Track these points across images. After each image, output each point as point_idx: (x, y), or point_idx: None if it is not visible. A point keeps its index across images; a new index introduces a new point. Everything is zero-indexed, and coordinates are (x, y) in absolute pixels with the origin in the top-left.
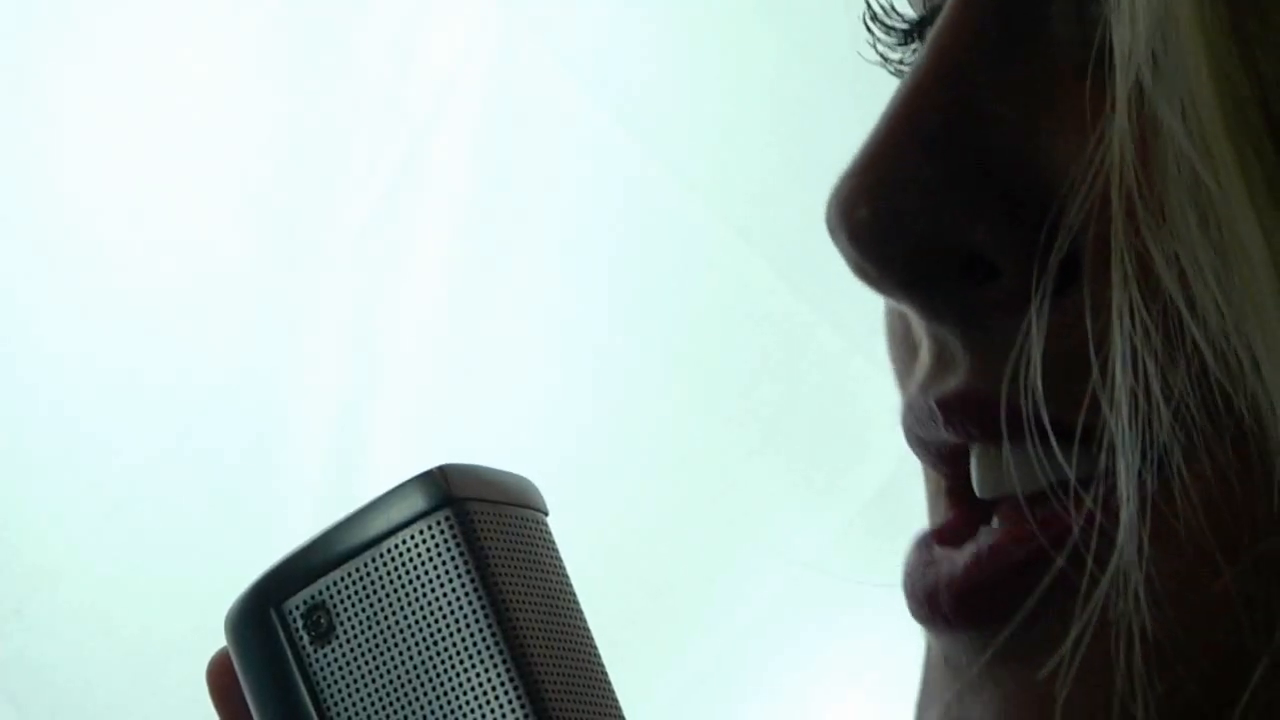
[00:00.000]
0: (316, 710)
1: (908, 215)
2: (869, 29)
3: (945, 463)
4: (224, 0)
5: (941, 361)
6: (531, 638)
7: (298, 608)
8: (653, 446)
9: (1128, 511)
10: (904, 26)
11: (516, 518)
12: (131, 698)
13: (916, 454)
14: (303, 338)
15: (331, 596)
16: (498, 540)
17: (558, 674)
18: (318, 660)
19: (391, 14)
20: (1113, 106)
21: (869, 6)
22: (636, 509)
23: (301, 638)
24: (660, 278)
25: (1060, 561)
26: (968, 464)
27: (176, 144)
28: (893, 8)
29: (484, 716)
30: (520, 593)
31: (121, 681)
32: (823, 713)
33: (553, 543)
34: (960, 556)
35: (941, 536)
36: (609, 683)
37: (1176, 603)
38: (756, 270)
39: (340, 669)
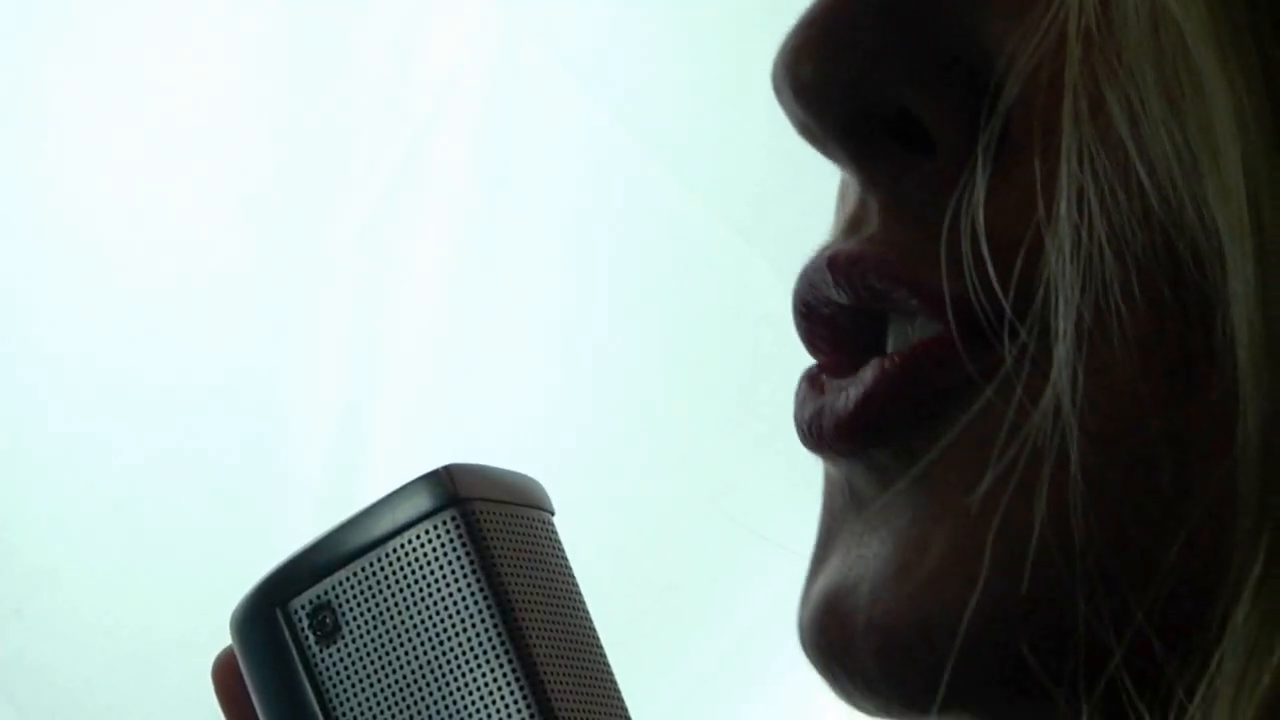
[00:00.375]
0: (322, 710)
1: (852, 74)
2: None
3: (825, 342)
4: (224, 0)
5: (853, 225)
6: (537, 637)
7: (303, 607)
8: (653, 446)
9: (1064, 345)
10: None
11: (522, 517)
12: (131, 698)
13: (802, 335)
14: (303, 338)
15: (337, 596)
16: (503, 540)
17: (563, 674)
18: (323, 660)
19: (391, 14)
20: None
21: None
22: (637, 509)
23: (307, 637)
24: (660, 278)
25: (989, 392)
26: (850, 346)
27: (176, 144)
28: None
29: (490, 716)
30: (526, 592)
31: (121, 681)
32: (825, 713)
33: (559, 542)
34: (853, 385)
35: (830, 369)
36: (615, 682)
37: (1109, 439)
38: (756, 270)
39: (346, 668)
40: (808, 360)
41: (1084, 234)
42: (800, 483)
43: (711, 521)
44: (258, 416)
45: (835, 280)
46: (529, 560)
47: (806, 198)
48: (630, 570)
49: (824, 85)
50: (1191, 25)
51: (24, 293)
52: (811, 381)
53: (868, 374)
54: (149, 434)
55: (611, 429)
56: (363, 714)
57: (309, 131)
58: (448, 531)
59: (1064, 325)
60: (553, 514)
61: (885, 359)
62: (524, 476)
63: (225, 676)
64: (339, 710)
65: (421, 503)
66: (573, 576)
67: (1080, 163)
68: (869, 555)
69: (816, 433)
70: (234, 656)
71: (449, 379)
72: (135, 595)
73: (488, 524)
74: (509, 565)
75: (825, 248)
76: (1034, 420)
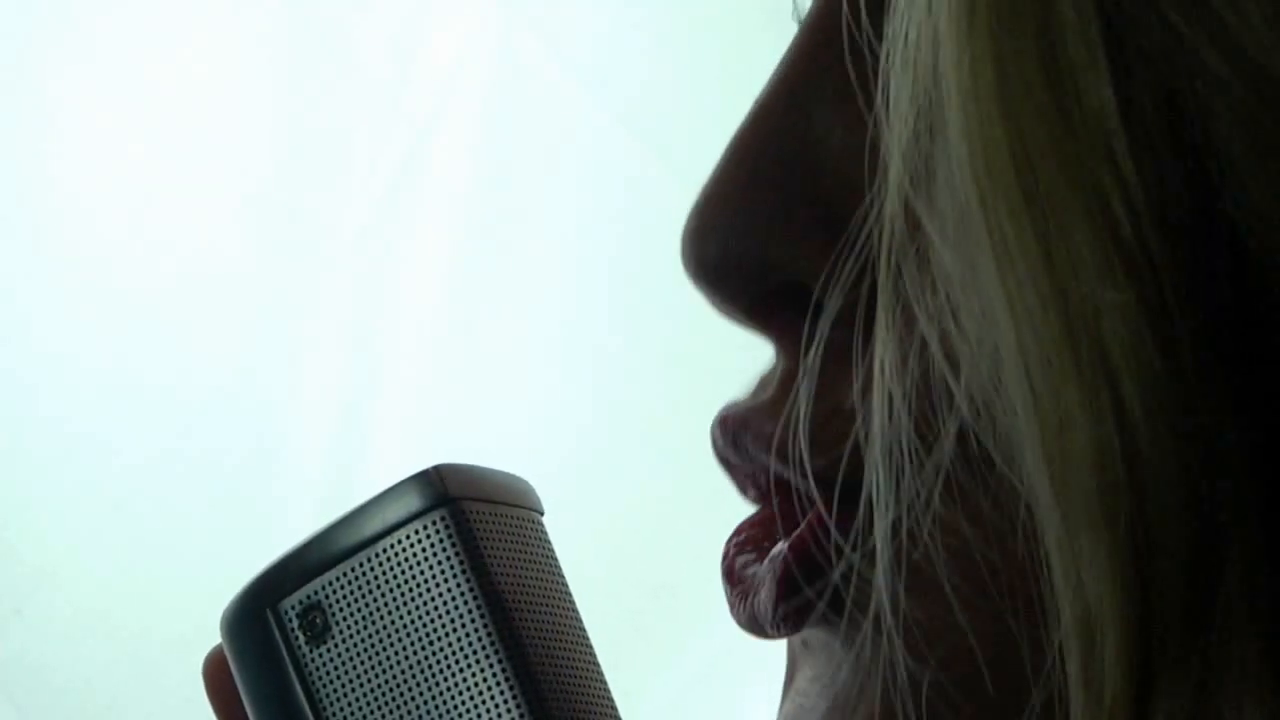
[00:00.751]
0: (312, 710)
1: (751, 252)
2: None
3: (752, 491)
4: (224, 0)
5: (762, 383)
6: (527, 637)
7: (293, 607)
8: (653, 446)
9: (882, 559)
10: None
11: (512, 517)
12: (131, 698)
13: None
14: (303, 338)
15: (327, 596)
16: (493, 540)
17: (553, 673)
18: (313, 660)
19: (391, 14)
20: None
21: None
22: (636, 509)
23: (297, 638)
24: (660, 278)
25: (821, 605)
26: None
27: (176, 143)
28: None
29: (480, 716)
30: (516, 592)
31: (121, 681)
32: None
33: (548, 542)
34: (764, 587)
35: (743, 542)
36: (604, 682)
37: (934, 646)
38: None
39: (336, 669)
40: None
41: (897, 447)
42: None
43: (709, 522)
44: (258, 416)
45: (724, 441)
46: (519, 560)
47: None
48: (627, 570)
49: (726, 265)
50: (977, 252)
51: (24, 293)
52: (729, 577)
53: (767, 580)
54: (149, 434)
55: (610, 429)
56: (353, 715)
57: (309, 132)
58: (438, 531)
59: (881, 540)
60: (542, 514)
61: (773, 568)
62: (513, 476)
63: (216, 675)
64: (329, 711)
65: (411, 502)
66: (563, 576)
67: (893, 375)
68: (806, 704)
69: (760, 633)
70: (224, 655)
71: (449, 379)
72: (135, 595)
73: (478, 524)
74: (499, 565)
75: (727, 403)
76: (862, 633)
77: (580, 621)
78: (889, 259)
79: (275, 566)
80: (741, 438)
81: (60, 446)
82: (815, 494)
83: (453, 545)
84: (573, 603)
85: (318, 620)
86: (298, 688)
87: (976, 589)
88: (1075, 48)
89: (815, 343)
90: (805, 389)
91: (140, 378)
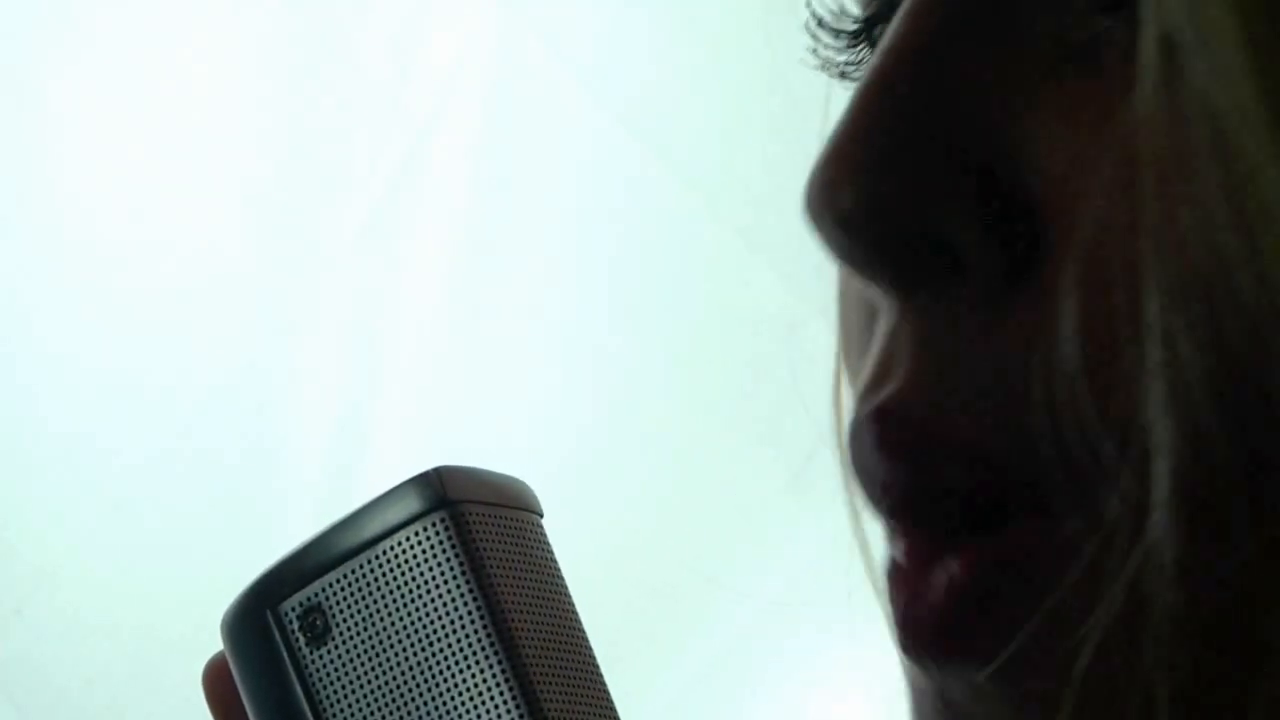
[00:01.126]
0: (313, 712)
1: (894, 201)
2: (813, 35)
3: (895, 505)
4: (224, 0)
5: (884, 365)
6: (526, 639)
7: (294, 609)
8: (653, 446)
9: (1161, 489)
10: (853, 27)
11: (511, 519)
12: (131, 698)
13: (880, 510)
14: (303, 338)
15: (328, 598)
16: (493, 542)
17: (552, 674)
18: (314, 662)
19: (391, 14)
20: (1111, 88)
21: (813, 14)
22: (636, 509)
23: (297, 639)
24: (660, 278)
25: (1091, 548)
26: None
27: (176, 143)
28: (843, 9)
29: (479, 717)
30: (515, 594)
31: (121, 681)
32: (823, 714)
33: (547, 544)
34: (937, 582)
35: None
36: (603, 683)
37: (1208, 583)
38: (756, 270)
39: (336, 670)
40: (806, 360)
41: (1178, 378)
42: (798, 483)
43: (709, 522)
44: (258, 416)
45: (885, 441)
46: (518, 562)
47: None
48: (628, 571)
49: (867, 215)
50: (1256, 149)
51: (24, 293)
52: (895, 575)
53: (954, 571)
54: (149, 434)
55: (610, 429)
56: (353, 716)
57: (309, 132)
58: (437, 533)
59: (1162, 468)
60: (541, 516)
61: (968, 567)
62: (513, 478)
63: (216, 683)
64: (329, 712)
65: (411, 505)
66: (561, 577)
67: (1168, 301)
68: None
69: (918, 639)
70: (224, 662)
71: (449, 379)
72: (135, 595)
73: (477, 526)
74: (498, 567)
75: (862, 400)
76: (1131, 567)
77: (579, 623)
78: (1150, 166)
79: (276, 568)
80: (912, 434)
81: (60, 446)
82: (1103, 447)
83: (452, 548)
84: (571, 604)
85: (318, 622)
86: (298, 689)
87: (1260, 522)
88: None
89: (1075, 261)
90: (1069, 327)
91: (140, 378)
